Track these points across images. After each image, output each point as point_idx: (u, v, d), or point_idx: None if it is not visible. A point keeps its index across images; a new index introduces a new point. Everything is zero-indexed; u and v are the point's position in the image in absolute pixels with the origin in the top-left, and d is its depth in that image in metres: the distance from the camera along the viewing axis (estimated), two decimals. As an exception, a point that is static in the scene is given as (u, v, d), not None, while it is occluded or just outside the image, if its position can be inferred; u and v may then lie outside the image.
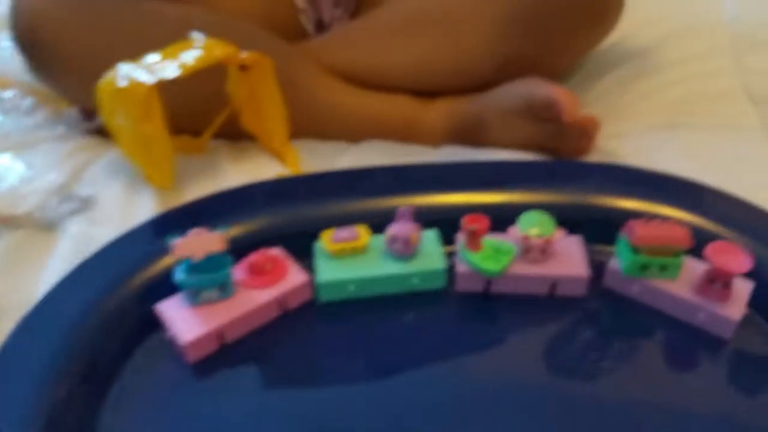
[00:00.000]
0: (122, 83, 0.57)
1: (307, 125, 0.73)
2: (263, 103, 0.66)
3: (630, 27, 0.82)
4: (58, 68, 0.69)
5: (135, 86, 0.57)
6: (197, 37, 0.61)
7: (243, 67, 0.64)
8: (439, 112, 0.73)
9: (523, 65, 0.70)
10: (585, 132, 0.67)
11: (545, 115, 0.66)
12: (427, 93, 0.75)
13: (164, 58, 0.59)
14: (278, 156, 0.69)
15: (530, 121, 0.67)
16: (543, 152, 0.69)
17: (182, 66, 0.57)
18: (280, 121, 0.67)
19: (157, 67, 0.58)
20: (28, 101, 0.74)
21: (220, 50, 0.59)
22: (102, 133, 0.70)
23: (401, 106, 0.74)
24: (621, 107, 0.75)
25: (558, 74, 0.78)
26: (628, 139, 0.70)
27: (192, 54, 0.58)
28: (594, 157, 0.68)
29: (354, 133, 0.74)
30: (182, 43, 0.61)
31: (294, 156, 0.69)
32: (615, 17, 0.75)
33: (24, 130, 0.72)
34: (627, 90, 0.77)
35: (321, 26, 0.84)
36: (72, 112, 0.74)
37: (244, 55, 0.62)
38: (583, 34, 0.74)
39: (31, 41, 0.68)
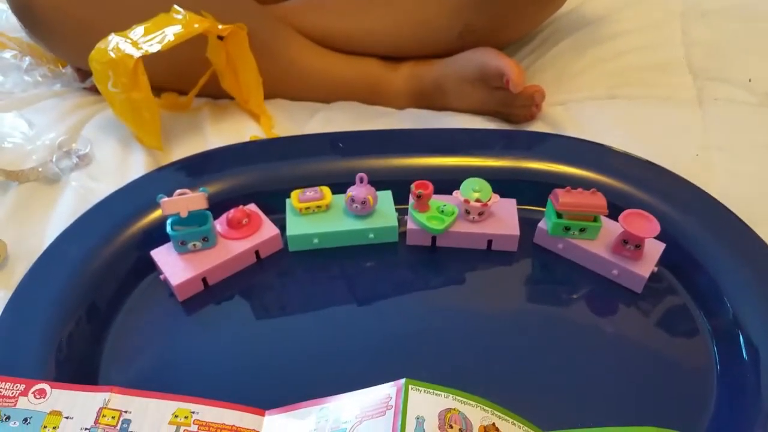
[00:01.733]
0: (111, 55, 0.64)
1: (281, 86, 0.79)
2: (239, 70, 0.73)
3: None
4: (53, 35, 0.74)
5: (123, 58, 0.63)
6: (179, 10, 0.68)
7: (221, 37, 0.71)
8: (403, 76, 0.80)
9: (481, 34, 0.77)
10: (532, 100, 0.74)
11: (496, 83, 0.73)
12: (393, 58, 0.81)
13: (149, 32, 0.65)
14: (254, 117, 0.76)
15: (483, 88, 0.74)
16: (495, 117, 0.76)
17: (164, 41, 0.64)
18: (255, 86, 0.74)
19: (142, 41, 0.64)
20: (26, 60, 0.80)
21: (199, 24, 0.66)
22: (96, 90, 0.77)
23: (369, 70, 0.80)
24: (568, 76, 0.82)
25: (513, 42, 0.84)
26: (572, 107, 0.77)
27: (173, 29, 0.64)
28: (539, 123, 0.76)
29: (324, 94, 0.80)
30: (166, 17, 0.67)
31: (268, 118, 0.76)
32: None
33: (24, 88, 0.78)
34: (575, 59, 0.84)
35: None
36: (68, 70, 0.80)
37: (221, 27, 0.68)
38: (535, 8, 0.80)
39: (26, 10, 0.73)
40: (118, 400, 0.46)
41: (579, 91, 0.79)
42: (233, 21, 0.70)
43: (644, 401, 0.51)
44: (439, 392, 0.44)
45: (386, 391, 0.45)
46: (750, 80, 0.81)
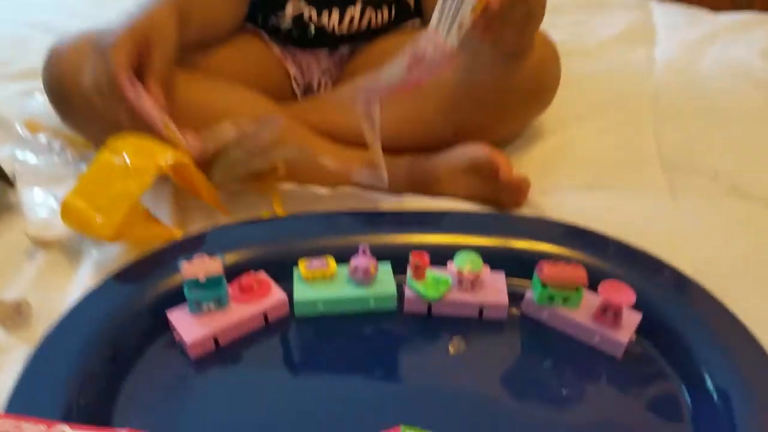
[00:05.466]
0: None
1: (292, 174, 0.87)
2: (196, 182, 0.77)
3: (566, 97, 0.97)
4: (82, 120, 0.83)
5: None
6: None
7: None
8: (402, 167, 0.87)
9: (473, 132, 0.85)
10: (519, 189, 0.81)
11: (485, 173, 0.81)
12: (393, 150, 0.89)
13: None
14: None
15: (474, 178, 0.82)
16: (485, 204, 0.83)
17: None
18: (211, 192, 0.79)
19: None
20: (57, 143, 0.87)
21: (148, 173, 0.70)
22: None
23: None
24: (551, 169, 0.90)
25: (503, 140, 0.93)
26: (554, 196, 0.85)
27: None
28: (526, 209, 0.83)
29: (331, 181, 0.88)
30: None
31: (279, 198, 0.83)
32: (550, 97, 0.90)
33: (54, 167, 0.85)
34: (557, 154, 0.93)
35: (309, 90, 0.99)
36: (94, 152, 0.87)
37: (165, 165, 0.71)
38: (523, 110, 0.90)
39: (59, 97, 0.82)
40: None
41: (560, 181, 0.87)
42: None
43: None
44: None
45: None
46: (716, 174, 0.89)
